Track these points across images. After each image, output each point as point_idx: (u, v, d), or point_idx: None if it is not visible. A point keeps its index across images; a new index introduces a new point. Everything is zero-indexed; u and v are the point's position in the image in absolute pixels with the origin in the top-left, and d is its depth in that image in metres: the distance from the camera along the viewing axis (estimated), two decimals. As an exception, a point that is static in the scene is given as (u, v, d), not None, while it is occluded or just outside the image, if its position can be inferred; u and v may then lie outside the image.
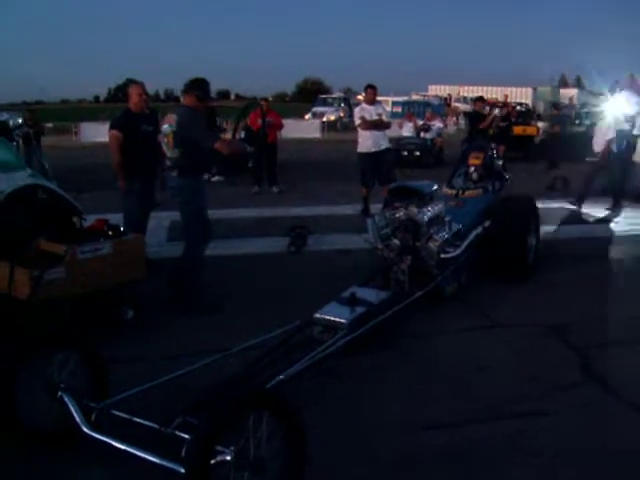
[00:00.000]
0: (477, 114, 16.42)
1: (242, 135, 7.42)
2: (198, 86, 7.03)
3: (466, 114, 19.04)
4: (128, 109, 8.21)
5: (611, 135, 13.23)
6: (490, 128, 16.52)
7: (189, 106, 7.02)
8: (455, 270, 7.27)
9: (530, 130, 24.83)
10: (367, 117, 12.50)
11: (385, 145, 12.59)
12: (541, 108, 55.48)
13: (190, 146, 6.85)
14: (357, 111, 13.10)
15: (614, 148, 13.29)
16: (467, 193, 8.44)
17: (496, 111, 20.99)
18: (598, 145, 13.53)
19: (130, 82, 8.39)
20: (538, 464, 4.17)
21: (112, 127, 8.14)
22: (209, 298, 7.06)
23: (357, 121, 12.82)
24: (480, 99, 17.72)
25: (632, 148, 13.73)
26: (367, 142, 12.51)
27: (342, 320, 5.48)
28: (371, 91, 12.77)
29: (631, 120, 13.41)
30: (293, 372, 4.63)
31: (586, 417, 4.75)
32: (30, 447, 4.11)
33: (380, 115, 12.51)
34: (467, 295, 7.35)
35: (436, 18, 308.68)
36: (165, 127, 6.69)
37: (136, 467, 3.55)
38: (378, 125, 12.45)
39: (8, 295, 5.64)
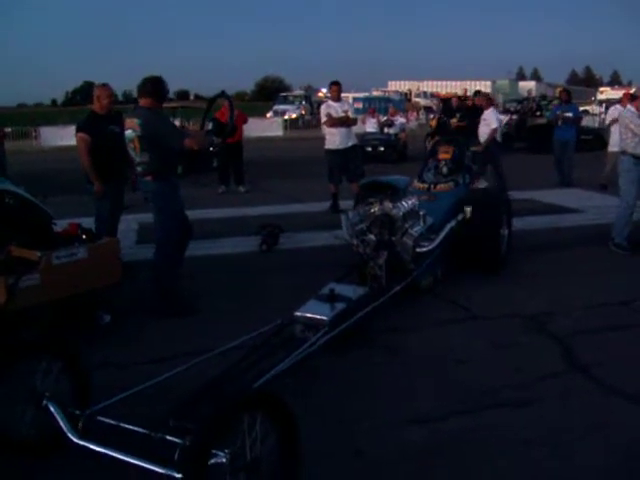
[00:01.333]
0: (476, 108, 16.45)
1: (210, 127, 7.36)
2: (153, 86, 6.72)
3: (468, 108, 18.98)
4: (93, 111, 8.13)
5: (495, 125, 14.27)
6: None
7: (149, 107, 6.69)
8: (430, 264, 7.28)
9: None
10: (333, 114, 12.49)
11: (352, 141, 12.59)
12: (500, 101, 55.99)
13: (159, 148, 6.59)
14: (323, 108, 13.05)
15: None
16: (438, 187, 8.45)
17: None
18: (482, 135, 14.39)
19: (97, 85, 8.32)
20: (524, 454, 4.18)
21: (79, 130, 8.04)
22: (184, 299, 6.99)
23: (323, 119, 12.81)
24: (479, 93, 17.83)
25: None
26: (335, 139, 12.51)
27: (323, 317, 5.46)
28: (335, 88, 12.73)
29: None
30: (277, 371, 4.59)
31: (570, 405, 4.78)
32: (17, 459, 4.03)
33: (346, 112, 12.52)
34: (443, 288, 7.38)
35: (392, 12, 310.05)
36: (129, 132, 6.55)
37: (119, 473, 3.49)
38: (345, 122, 12.43)
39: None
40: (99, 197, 7.99)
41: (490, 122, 14.34)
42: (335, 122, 12.47)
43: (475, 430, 4.47)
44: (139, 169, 6.78)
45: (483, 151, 14.01)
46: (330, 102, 12.85)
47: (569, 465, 4.07)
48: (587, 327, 6.28)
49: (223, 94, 7.32)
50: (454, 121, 18.76)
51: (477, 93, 18.03)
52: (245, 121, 16.89)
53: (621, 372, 5.27)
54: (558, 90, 19.20)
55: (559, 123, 16.15)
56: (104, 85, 8.22)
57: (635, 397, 4.88)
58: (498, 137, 14.46)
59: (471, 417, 4.64)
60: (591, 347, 5.80)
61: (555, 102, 18.45)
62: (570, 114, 16.30)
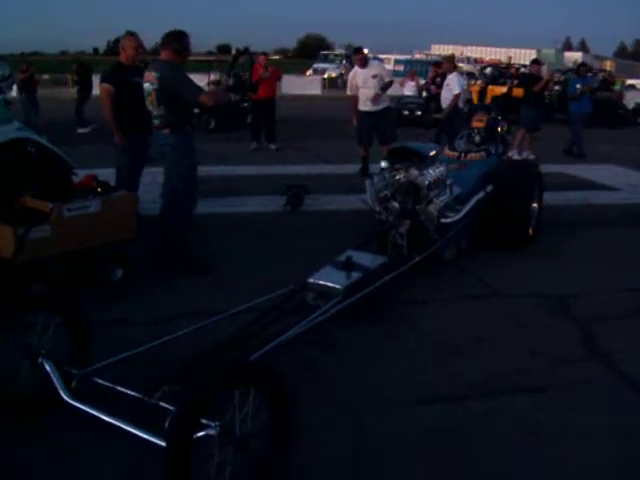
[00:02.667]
0: (532, 76, 16.07)
1: (230, 82, 7.33)
2: (175, 39, 6.64)
3: (522, 75, 18.62)
4: (119, 62, 7.97)
5: (458, 91, 13.69)
6: (546, 91, 16.21)
7: (168, 61, 6.63)
8: (455, 235, 7.07)
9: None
10: (359, 83, 12.19)
11: (384, 104, 12.28)
12: (543, 71, 55.01)
13: (174, 102, 6.54)
14: (350, 76, 12.79)
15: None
16: (469, 156, 8.19)
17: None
18: (445, 101, 14.03)
19: (125, 34, 8.12)
20: (537, 442, 4.01)
21: (103, 81, 7.88)
22: (199, 258, 6.89)
23: (348, 88, 12.64)
24: (536, 61, 17.38)
25: None
26: (363, 100, 12.22)
27: (337, 286, 5.29)
28: (359, 56, 12.44)
29: None
30: (284, 340, 4.45)
31: (587, 394, 4.58)
32: (7, 415, 3.94)
33: (375, 77, 12.13)
34: (466, 262, 7.18)
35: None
36: (147, 85, 6.53)
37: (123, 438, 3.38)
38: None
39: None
40: (120, 149, 7.88)
41: (453, 87, 13.74)
42: (356, 100, 12.35)
43: (487, 414, 4.30)
44: (155, 122, 6.72)
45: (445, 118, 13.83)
46: (357, 69, 12.50)
47: (582, 456, 3.89)
48: (612, 312, 6.03)
49: (246, 51, 7.17)
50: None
51: (535, 61, 17.56)
52: (279, 78, 16.59)
53: (643, 361, 5.06)
54: (576, 63, 18.76)
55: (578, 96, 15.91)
56: (131, 35, 8.02)
57: (656, 389, 4.68)
58: (460, 103, 13.86)
59: (484, 400, 4.47)
60: (614, 334, 5.55)
61: (571, 75, 18.06)
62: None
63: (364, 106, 12.25)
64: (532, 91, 15.26)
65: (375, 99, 11.99)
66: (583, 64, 18.53)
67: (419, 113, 21.72)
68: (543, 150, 15.21)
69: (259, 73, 14.57)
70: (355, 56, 12.65)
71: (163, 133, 6.69)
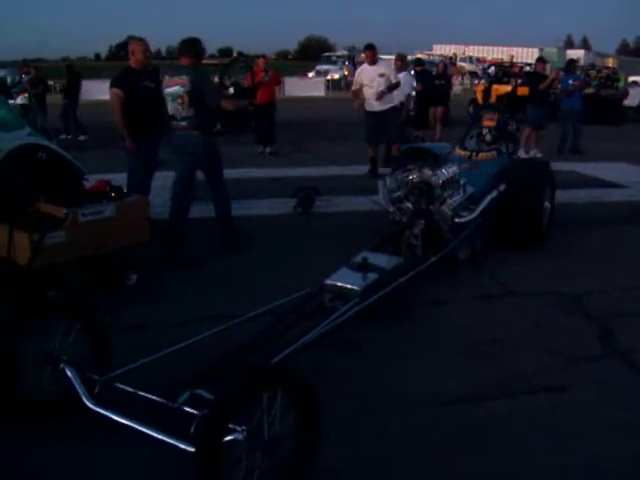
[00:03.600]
0: (537, 75, 16.05)
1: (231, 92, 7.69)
2: (193, 45, 7.33)
3: (527, 74, 18.65)
4: (129, 66, 7.94)
5: (409, 90, 13.90)
6: (551, 88, 16.17)
7: (194, 66, 7.29)
8: (469, 235, 7.04)
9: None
10: (365, 81, 12.15)
11: (391, 104, 12.24)
12: (547, 69, 54.98)
13: (202, 104, 7.08)
14: (357, 73, 12.77)
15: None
16: (481, 155, 8.16)
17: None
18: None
19: (132, 39, 8.13)
20: (557, 441, 3.98)
21: (113, 85, 7.81)
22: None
23: (355, 84, 12.63)
24: (541, 60, 17.37)
25: None
26: (371, 101, 12.19)
27: (354, 287, 5.27)
28: (369, 53, 12.35)
29: None
30: (305, 342, 4.43)
31: (606, 392, 4.55)
32: (31, 421, 3.94)
33: (383, 75, 12.08)
34: (481, 261, 7.16)
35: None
36: (177, 88, 6.81)
37: (142, 441, 3.36)
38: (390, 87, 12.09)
39: (7, 260, 5.43)
40: (131, 154, 7.83)
41: (403, 87, 13.46)
42: (359, 97, 12.44)
43: (508, 414, 4.27)
44: (183, 123, 7.13)
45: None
46: (366, 66, 12.48)
47: (603, 454, 3.86)
48: (628, 309, 5.99)
49: (239, 57, 7.50)
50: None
51: (540, 59, 17.56)
52: (278, 82, 16.46)
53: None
54: (568, 60, 18.75)
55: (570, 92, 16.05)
56: (139, 40, 8.00)
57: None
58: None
59: (505, 400, 4.45)
60: (631, 331, 5.51)
61: (561, 73, 18.09)
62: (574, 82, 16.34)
63: (370, 106, 12.24)
64: (537, 89, 15.25)
65: (380, 97, 11.94)
66: (572, 61, 18.52)
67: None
68: (549, 148, 15.22)
69: (259, 77, 14.51)
70: (366, 52, 12.57)
71: (192, 134, 7.10)
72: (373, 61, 12.29)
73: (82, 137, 18.53)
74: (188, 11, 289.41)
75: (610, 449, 3.91)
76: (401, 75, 13.52)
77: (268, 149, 15.36)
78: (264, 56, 15.88)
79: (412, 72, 17.90)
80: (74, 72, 20.74)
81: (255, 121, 16.20)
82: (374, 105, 12.14)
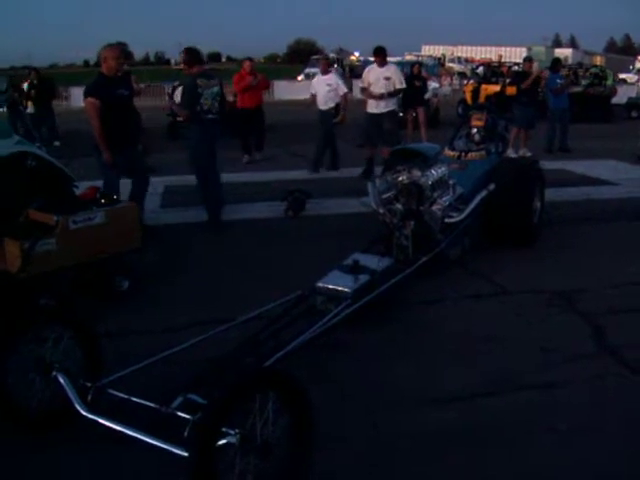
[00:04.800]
0: (524, 74, 16.09)
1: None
2: (199, 54, 9.00)
3: (515, 73, 18.67)
4: (101, 74, 7.72)
5: (345, 90, 13.59)
6: (539, 87, 16.19)
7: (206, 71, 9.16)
8: (459, 235, 7.06)
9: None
10: (371, 80, 12.34)
11: (390, 107, 12.37)
12: (535, 68, 55.12)
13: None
14: (365, 72, 12.99)
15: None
16: (470, 155, 8.19)
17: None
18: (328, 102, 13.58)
19: (104, 46, 7.87)
20: (552, 439, 4.00)
21: (88, 94, 7.60)
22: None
23: (361, 84, 12.88)
24: (528, 59, 17.44)
25: None
26: (372, 102, 12.40)
27: (346, 289, 5.29)
28: (378, 56, 12.50)
29: None
30: (297, 345, 4.45)
31: (600, 389, 4.57)
32: (21, 429, 3.93)
33: (388, 78, 12.21)
34: (471, 261, 7.17)
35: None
36: (216, 89, 8.77)
37: (136, 447, 3.37)
38: (377, 98, 12.24)
39: (-2, 268, 5.43)
40: (109, 166, 7.62)
41: (338, 88, 13.40)
42: (365, 95, 12.58)
43: (502, 412, 4.29)
44: (211, 116, 8.81)
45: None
46: (375, 66, 12.61)
47: (595, 453, 3.87)
48: (619, 306, 6.01)
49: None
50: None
51: (527, 59, 17.62)
52: (267, 87, 16.27)
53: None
54: (554, 59, 18.79)
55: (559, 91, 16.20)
56: (112, 46, 7.86)
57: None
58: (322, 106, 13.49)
59: (496, 399, 4.46)
60: (623, 328, 5.54)
61: (547, 71, 18.20)
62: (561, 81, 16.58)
63: (370, 108, 12.44)
64: (523, 89, 15.34)
65: (380, 97, 12.14)
66: (558, 60, 18.60)
67: (414, 114, 21.67)
68: (538, 147, 15.27)
69: (247, 81, 14.46)
70: (375, 56, 12.66)
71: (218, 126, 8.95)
72: (382, 63, 12.46)
73: (56, 143, 18.37)
74: (176, 16, 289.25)
75: (606, 446, 3.92)
76: (328, 77, 13.59)
77: (257, 155, 15.06)
78: (250, 59, 15.71)
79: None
80: (43, 79, 20.31)
81: (241, 128, 15.27)
82: (374, 106, 12.33)
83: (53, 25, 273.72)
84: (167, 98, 16.43)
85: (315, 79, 14.09)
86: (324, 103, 13.31)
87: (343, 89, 13.54)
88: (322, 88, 13.36)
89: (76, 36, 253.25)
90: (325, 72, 13.79)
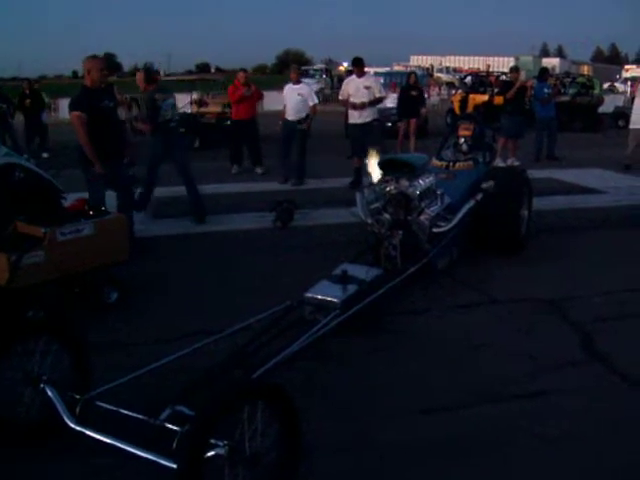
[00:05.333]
0: (511, 84, 16.18)
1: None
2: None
3: (503, 83, 18.77)
4: (84, 86, 7.62)
5: (315, 100, 13.76)
6: (524, 97, 16.24)
7: None
8: (447, 245, 7.09)
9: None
10: (351, 91, 12.34)
11: (372, 116, 12.36)
12: (523, 77, 55.35)
13: None
14: (344, 83, 13.00)
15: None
16: (457, 165, 8.23)
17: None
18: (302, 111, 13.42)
19: (86, 57, 7.72)
20: (541, 447, 4.01)
21: (73, 108, 7.49)
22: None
23: (341, 94, 12.78)
24: (515, 69, 17.55)
25: None
26: (354, 113, 12.43)
27: (334, 299, 5.30)
28: (357, 66, 12.52)
29: None
30: (286, 356, 4.44)
31: (589, 397, 4.59)
32: (10, 442, 3.90)
33: (369, 87, 12.24)
34: (459, 270, 7.19)
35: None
36: (172, 100, 9.41)
37: (125, 460, 3.37)
38: (358, 107, 12.26)
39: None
40: (97, 179, 7.51)
41: (308, 98, 13.42)
42: (345, 105, 12.66)
43: (489, 422, 4.30)
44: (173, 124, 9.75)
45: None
46: (354, 77, 12.62)
47: (586, 460, 3.89)
48: (608, 314, 6.06)
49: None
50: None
51: (513, 69, 17.75)
52: (261, 97, 16.11)
53: (643, 362, 5.07)
54: (541, 69, 18.93)
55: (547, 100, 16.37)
56: (94, 57, 7.75)
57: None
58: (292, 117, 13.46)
59: (486, 407, 4.47)
60: (611, 335, 5.58)
61: (533, 81, 18.39)
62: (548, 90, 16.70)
63: (352, 118, 12.50)
64: (508, 98, 15.46)
65: (361, 107, 12.14)
66: (545, 70, 18.74)
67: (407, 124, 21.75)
68: (527, 156, 15.35)
69: (241, 92, 14.43)
70: (354, 66, 12.69)
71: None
72: (361, 74, 12.49)
73: (45, 155, 18.31)
74: (164, 26, 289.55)
75: (597, 454, 3.94)
76: (299, 86, 13.59)
77: (259, 169, 14.87)
78: (244, 70, 15.63)
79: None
80: (35, 90, 20.23)
81: (232, 139, 15.40)
82: (356, 117, 12.36)
83: (42, 36, 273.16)
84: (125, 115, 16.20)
85: (286, 88, 13.90)
86: (294, 113, 13.28)
87: (314, 99, 13.56)
88: (293, 98, 13.36)
89: (65, 47, 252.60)
90: (296, 82, 13.71)
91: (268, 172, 14.58)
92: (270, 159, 14.68)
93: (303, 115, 13.31)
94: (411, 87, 18.24)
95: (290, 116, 13.37)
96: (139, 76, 10.20)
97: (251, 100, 14.95)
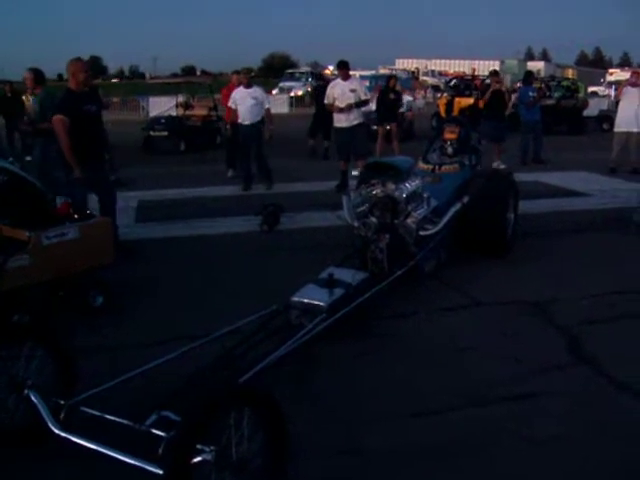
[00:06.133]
0: (489, 87, 16.25)
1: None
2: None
3: (489, 86, 18.84)
4: (69, 89, 7.58)
5: (268, 104, 13.29)
6: (502, 102, 16.20)
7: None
8: (434, 248, 7.09)
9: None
10: (336, 95, 12.34)
11: (358, 120, 12.37)
12: (508, 81, 55.60)
13: None
14: (329, 87, 12.93)
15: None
16: (443, 168, 8.24)
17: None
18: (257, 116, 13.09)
19: (70, 60, 7.66)
20: (528, 450, 4.01)
21: (56, 112, 7.43)
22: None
23: (327, 98, 12.71)
24: (494, 73, 17.65)
25: None
26: (340, 117, 12.42)
27: (321, 303, 5.28)
28: (342, 69, 12.58)
29: None
30: (273, 360, 4.43)
31: (576, 400, 4.59)
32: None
33: (354, 91, 12.27)
34: (446, 273, 7.19)
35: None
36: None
37: (111, 465, 3.33)
38: (342, 110, 12.25)
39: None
40: (78, 183, 7.42)
41: (263, 101, 13.04)
42: (332, 109, 12.50)
43: (477, 425, 4.29)
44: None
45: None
46: (339, 81, 12.65)
47: (573, 462, 3.89)
48: (594, 316, 6.07)
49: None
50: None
51: (492, 73, 17.81)
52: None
53: (629, 365, 5.07)
54: (526, 72, 19.03)
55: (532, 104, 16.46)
56: (78, 60, 7.67)
57: (643, 392, 4.70)
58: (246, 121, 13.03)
59: (473, 411, 4.47)
60: (597, 338, 5.60)
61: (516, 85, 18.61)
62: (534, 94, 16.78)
63: (338, 122, 12.46)
64: (484, 103, 15.60)
65: (347, 109, 12.16)
66: (530, 73, 18.83)
67: (388, 127, 21.76)
68: (513, 159, 15.40)
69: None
70: (339, 69, 12.70)
71: None
72: (346, 77, 12.54)
73: (28, 158, 18.15)
74: (150, 30, 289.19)
75: (584, 456, 3.94)
76: (252, 90, 13.09)
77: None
78: (238, 72, 15.37)
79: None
80: (17, 92, 20.01)
81: (230, 142, 14.75)
82: (342, 120, 12.36)
83: (26, 39, 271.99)
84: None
85: (236, 92, 13.30)
86: (250, 117, 12.87)
87: (268, 103, 13.22)
88: (246, 102, 12.90)
89: (49, 50, 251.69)
90: (248, 85, 13.19)
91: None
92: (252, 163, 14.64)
93: (259, 119, 12.94)
94: (390, 90, 18.06)
95: (245, 121, 12.94)
96: (28, 76, 9.76)
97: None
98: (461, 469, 3.84)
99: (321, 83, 21.92)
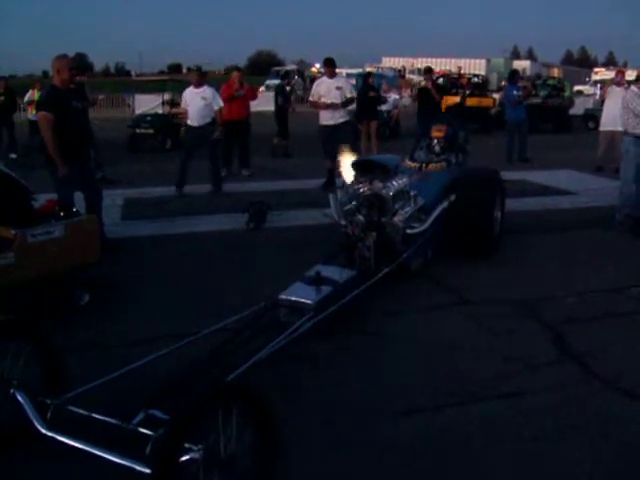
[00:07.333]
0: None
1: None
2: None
3: (475, 85, 18.92)
4: (54, 86, 7.57)
5: (221, 104, 12.86)
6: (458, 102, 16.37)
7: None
8: (421, 246, 7.09)
9: (486, 102, 24.77)
10: (322, 92, 12.37)
11: (344, 118, 12.38)
12: (495, 80, 55.76)
13: None
14: (315, 85, 12.95)
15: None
16: (430, 166, 8.26)
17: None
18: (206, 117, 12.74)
19: (55, 57, 7.64)
20: (516, 448, 4.02)
21: (41, 108, 7.46)
22: None
23: (312, 96, 12.77)
24: (428, 70, 17.74)
25: None
26: (325, 114, 12.45)
27: (308, 301, 5.27)
28: (328, 67, 12.64)
29: None
30: (261, 357, 4.41)
31: (564, 397, 4.60)
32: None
33: (340, 88, 12.29)
34: (433, 271, 7.20)
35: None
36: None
37: (99, 465, 3.31)
38: (328, 107, 12.32)
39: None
40: (64, 181, 7.42)
41: (212, 102, 12.59)
42: (318, 107, 12.53)
43: (465, 423, 4.28)
44: None
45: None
46: (325, 78, 12.67)
47: (561, 459, 3.90)
48: (581, 314, 6.10)
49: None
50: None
51: (428, 70, 17.84)
52: (254, 97, 15.65)
53: (615, 362, 5.10)
54: (511, 71, 19.13)
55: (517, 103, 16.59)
56: (63, 57, 7.64)
57: (630, 389, 4.71)
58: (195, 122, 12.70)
59: (461, 409, 4.47)
60: (585, 335, 5.62)
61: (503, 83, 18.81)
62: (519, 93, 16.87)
63: (324, 120, 12.46)
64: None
65: (332, 107, 12.20)
66: (516, 72, 18.92)
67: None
68: (498, 158, 15.44)
69: (232, 91, 14.24)
70: (325, 66, 12.77)
71: None
72: (332, 74, 12.58)
73: (12, 155, 18.09)
74: (136, 27, 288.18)
75: (574, 454, 3.94)
76: (202, 89, 12.66)
77: (244, 172, 14.56)
78: (238, 69, 15.11)
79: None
80: (10, 89, 20.01)
81: (224, 140, 14.19)
82: (328, 118, 12.37)
83: (12, 34, 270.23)
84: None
85: (187, 92, 12.95)
86: (199, 119, 12.48)
87: (219, 103, 12.75)
88: (196, 102, 12.50)
89: (35, 46, 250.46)
90: (198, 85, 12.78)
91: (254, 174, 14.47)
92: (238, 160, 14.68)
93: (208, 120, 12.58)
94: (369, 88, 18.05)
95: (195, 122, 12.54)
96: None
97: (244, 100, 14.63)
98: (450, 466, 3.85)
99: (283, 82, 21.82)
